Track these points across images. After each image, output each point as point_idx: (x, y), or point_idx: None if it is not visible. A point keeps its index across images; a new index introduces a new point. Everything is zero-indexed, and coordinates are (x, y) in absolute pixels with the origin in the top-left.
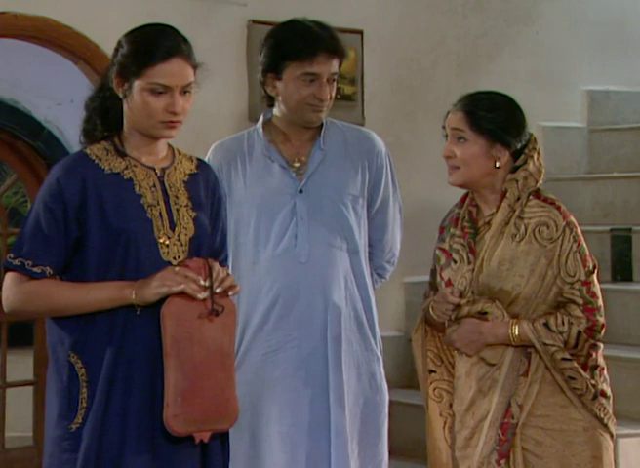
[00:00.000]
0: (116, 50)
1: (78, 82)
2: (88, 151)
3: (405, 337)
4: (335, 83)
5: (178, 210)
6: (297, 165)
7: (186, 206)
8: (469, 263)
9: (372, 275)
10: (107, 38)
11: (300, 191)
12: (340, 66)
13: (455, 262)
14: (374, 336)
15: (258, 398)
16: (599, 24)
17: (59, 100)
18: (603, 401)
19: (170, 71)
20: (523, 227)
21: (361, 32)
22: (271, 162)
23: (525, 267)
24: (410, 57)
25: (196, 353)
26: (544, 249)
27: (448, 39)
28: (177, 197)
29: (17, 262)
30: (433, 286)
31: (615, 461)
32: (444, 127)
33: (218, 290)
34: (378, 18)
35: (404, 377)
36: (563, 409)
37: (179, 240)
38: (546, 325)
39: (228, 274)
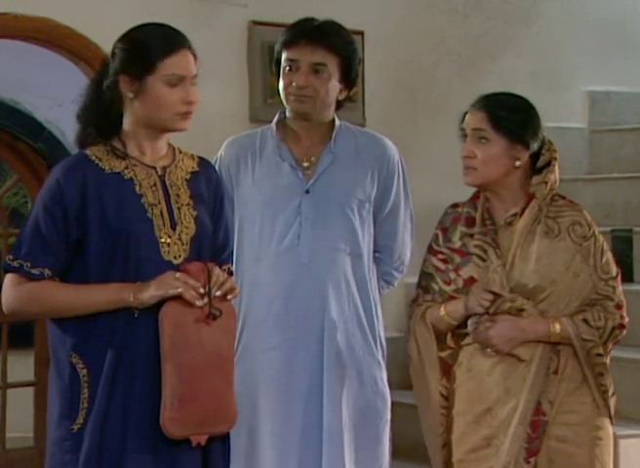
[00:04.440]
0: (113, 53)
1: (79, 83)
2: (88, 152)
3: (405, 338)
4: (322, 75)
5: (179, 208)
6: (305, 165)
7: (188, 204)
8: (498, 259)
9: (378, 281)
10: (108, 39)
11: (307, 191)
12: (343, 65)
13: (483, 260)
14: (375, 341)
15: (254, 395)
16: (599, 25)
17: (59, 101)
18: (614, 399)
19: (183, 62)
20: (556, 226)
21: (362, 33)
22: (281, 161)
23: (560, 264)
24: (410, 57)
25: (194, 357)
26: (579, 246)
27: (448, 39)
28: (178, 196)
29: (15, 264)
30: (428, 289)
31: (615, 461)
32: (463, 129)
33: (217, 293)
34: (378, 18)
35: (405, 378)
36: (583, 406)
37: (179, 239)
38: (585, 321)
39: (231, 273)
